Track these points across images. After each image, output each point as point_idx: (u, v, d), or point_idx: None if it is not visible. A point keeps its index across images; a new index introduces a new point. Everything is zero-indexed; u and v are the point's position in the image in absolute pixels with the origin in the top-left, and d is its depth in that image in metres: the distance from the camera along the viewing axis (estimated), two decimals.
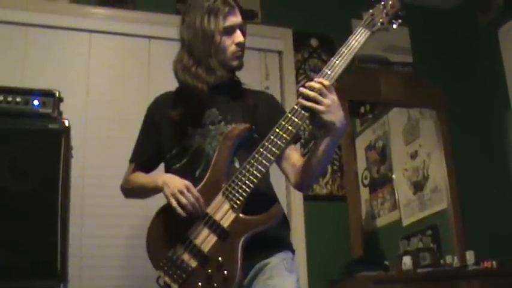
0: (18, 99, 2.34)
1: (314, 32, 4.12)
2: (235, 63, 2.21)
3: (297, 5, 4.13)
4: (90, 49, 3.55)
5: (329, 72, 1.98)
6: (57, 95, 2.42)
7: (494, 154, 4.13)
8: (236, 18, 2.21)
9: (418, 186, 4.21)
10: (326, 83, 1.95)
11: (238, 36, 2.20)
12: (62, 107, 2.44)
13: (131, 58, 3.64)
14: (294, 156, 2.19)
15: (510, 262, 3.62)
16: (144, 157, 2.31)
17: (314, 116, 1.96)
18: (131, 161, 2.34)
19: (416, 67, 4.38)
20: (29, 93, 2.38)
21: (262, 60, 3.94)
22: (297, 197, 3.70)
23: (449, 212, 4.09)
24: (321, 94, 1.93)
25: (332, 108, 1.93)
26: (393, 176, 4.26)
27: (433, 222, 4.11)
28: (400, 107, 4.38)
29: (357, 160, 4.18)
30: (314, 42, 4.10)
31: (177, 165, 2.17)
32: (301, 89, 1.97)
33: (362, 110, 4.37)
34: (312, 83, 1.96)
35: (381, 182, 4.23)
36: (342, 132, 1.96)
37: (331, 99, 1.93)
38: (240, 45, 2.20)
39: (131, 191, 2.32)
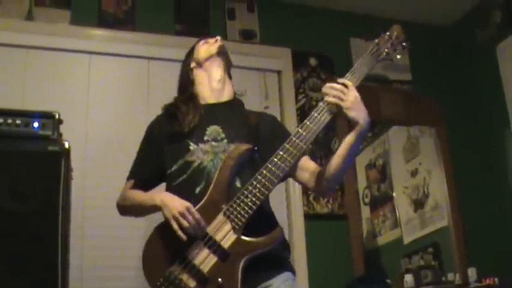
0: (18, 122, 2.34)
1: (313, 51, 4.13)
2: None
3: (295, 25, 4.15)
4: (89, 70, 3.55)
5: None
6: (57, 116, 2.41)
7: (494, 171, 4.12)
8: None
9: (418, 204, 4.20)
10: (347, 82, 2.01)
11: None
12: (62, 128, 2.43)
13: (131, 79, 3.64)
14: (311, 165, 2.21)
15: None
16: (144, 175, 2.31)
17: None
18: (129, 177, 2.34)
19: (416, 85, 4.38)
20: (28, 115, 2.37)
21: (261, 80, 3.94)
22: (298, 216, 3.68)
23: (450, 229, 4.07)
24: (342, 92, 1.99)
25: (355, 105, 1.99)
26: (394, 194, 4.25)
27: (434, 239, 4.09)
28: (400, 125, 4.38)
29: (357, 178, 4.17)
30: (313, 62, 4.10)
31: (178, 181, 2.16)
32: (325, 87, 2.02)
33: None
34: (333, 84, 2.01)
35: (382, 200, 4.22)
36: (365, 128, 2.02)
37: (354, 96, 1.99)
38: None
39: (127, 209, 2.31)
